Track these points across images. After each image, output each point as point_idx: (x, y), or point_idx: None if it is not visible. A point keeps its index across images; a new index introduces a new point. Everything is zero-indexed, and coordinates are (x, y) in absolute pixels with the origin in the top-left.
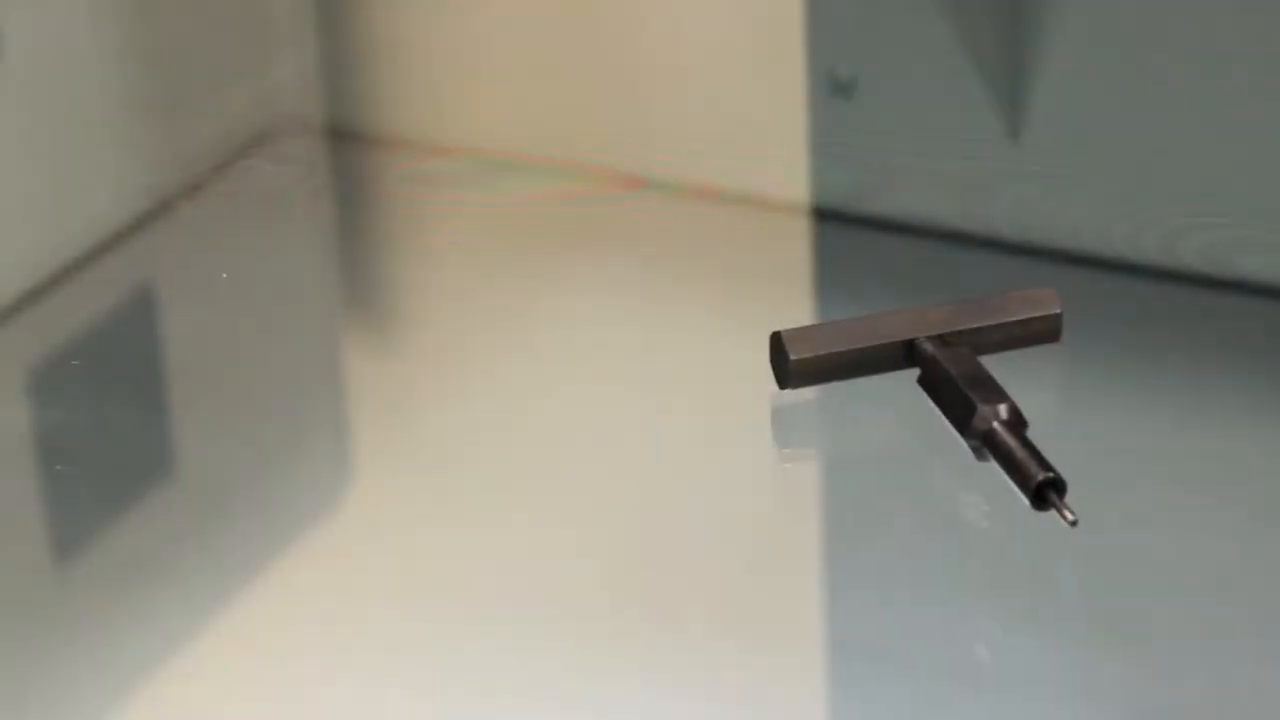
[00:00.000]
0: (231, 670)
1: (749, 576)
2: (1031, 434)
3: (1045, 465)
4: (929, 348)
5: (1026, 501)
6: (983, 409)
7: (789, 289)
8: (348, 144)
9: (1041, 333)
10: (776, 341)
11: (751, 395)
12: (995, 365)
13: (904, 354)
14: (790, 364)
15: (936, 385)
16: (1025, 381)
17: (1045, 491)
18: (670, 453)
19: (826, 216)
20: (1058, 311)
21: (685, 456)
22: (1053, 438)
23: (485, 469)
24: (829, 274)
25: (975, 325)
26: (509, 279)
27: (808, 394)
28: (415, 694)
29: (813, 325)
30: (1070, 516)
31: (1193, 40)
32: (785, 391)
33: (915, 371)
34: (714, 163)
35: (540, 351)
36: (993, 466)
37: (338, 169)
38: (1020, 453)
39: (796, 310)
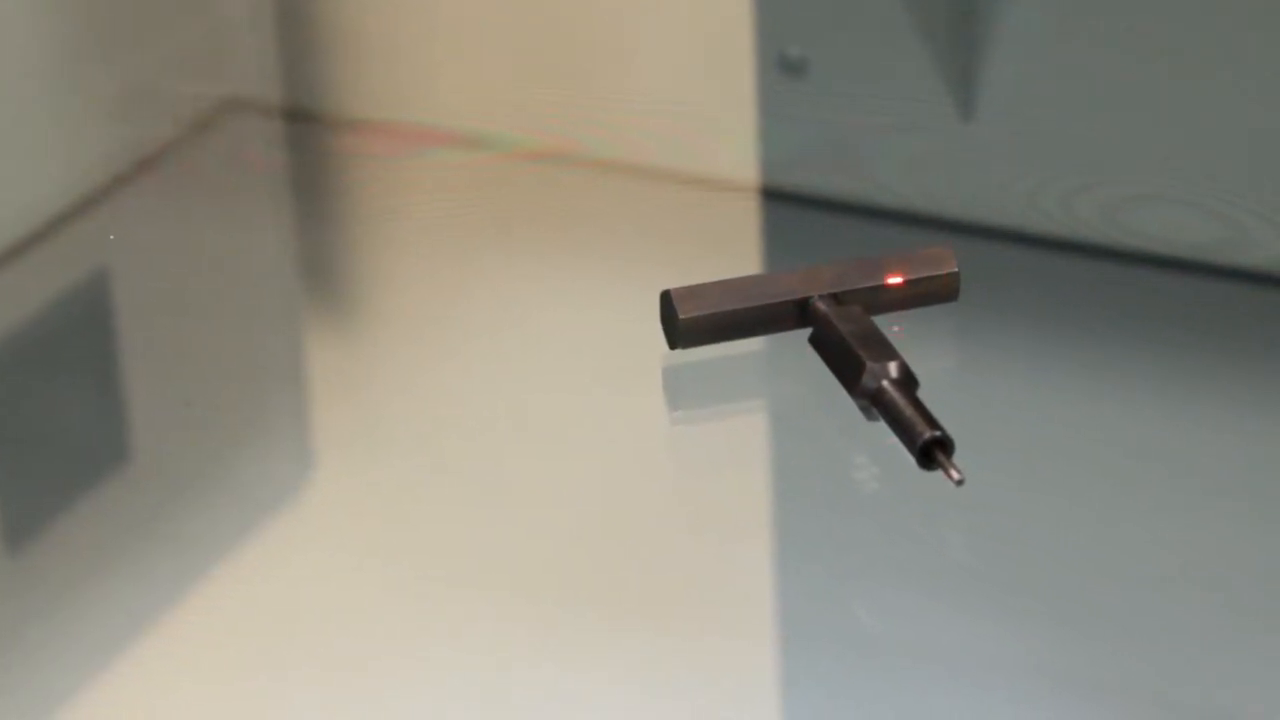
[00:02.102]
0: (188, 660)
1: (645, 544)
2: (927, 395)
3: (933, 423)
4: (822, 306)
5: (914, 461)
6: (872, 367)
7: (740, 269)
8: (304, 125)
9: (939, 291)
10: (666, 300)
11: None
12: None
13: (798, 313)
14: (679, 323)
15: (827, 344)
16: (928, 341)
17: (932, 450)
18: (621, 438)
19: (776, 196)
20: (955, 270)
21: (635, 439)
22: (950, 398)
23: (443, 454)
24: (779, 254)
25: (870, 284)
26: (466, 261)
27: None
28: (375, 681)
29: (704, 284)
30: (956, 475)
31: (1145, 20)
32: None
33: (809, 331)
34: (665, 143)
35: (495, 333)
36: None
37: (294, 150)
38: (908, 411)
39: None
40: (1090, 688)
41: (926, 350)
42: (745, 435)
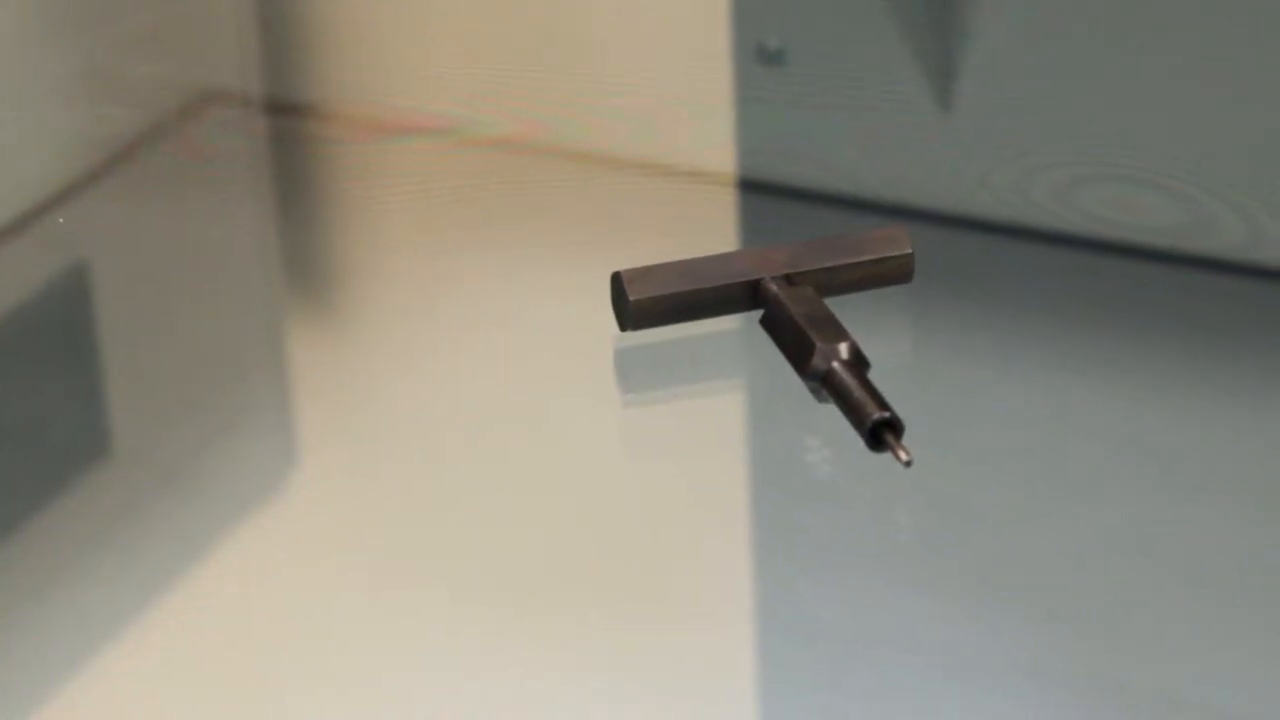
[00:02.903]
0: (169, 655)
1: (602, 530)
2: (881, 377)
3: (882, 405)
4: (773, 288)
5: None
6: (822, 348)
7: None
8: (284, 114)
9: (893, 273)
10: (617, 282)
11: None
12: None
13: (750, 294)
14: (630, 305)
15: (778, 326)
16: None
17: (881, 431)
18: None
19: (753, 187)
20: (909, 251)
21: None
22: (903, 381)
23: (419, 447)
24: (755, 245)
25: (823, 265)
26: (444, 252)
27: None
28: (354, 673)
29: (655, 265)
30: (905, 457)
31: (1124, 8)
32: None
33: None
34: (642, 134)
35: (472, 324)
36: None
37: (274, 139)
38: (858, 392)
39: None
40: (1038, 667)
41: (882, 333)
42: (698, 417)
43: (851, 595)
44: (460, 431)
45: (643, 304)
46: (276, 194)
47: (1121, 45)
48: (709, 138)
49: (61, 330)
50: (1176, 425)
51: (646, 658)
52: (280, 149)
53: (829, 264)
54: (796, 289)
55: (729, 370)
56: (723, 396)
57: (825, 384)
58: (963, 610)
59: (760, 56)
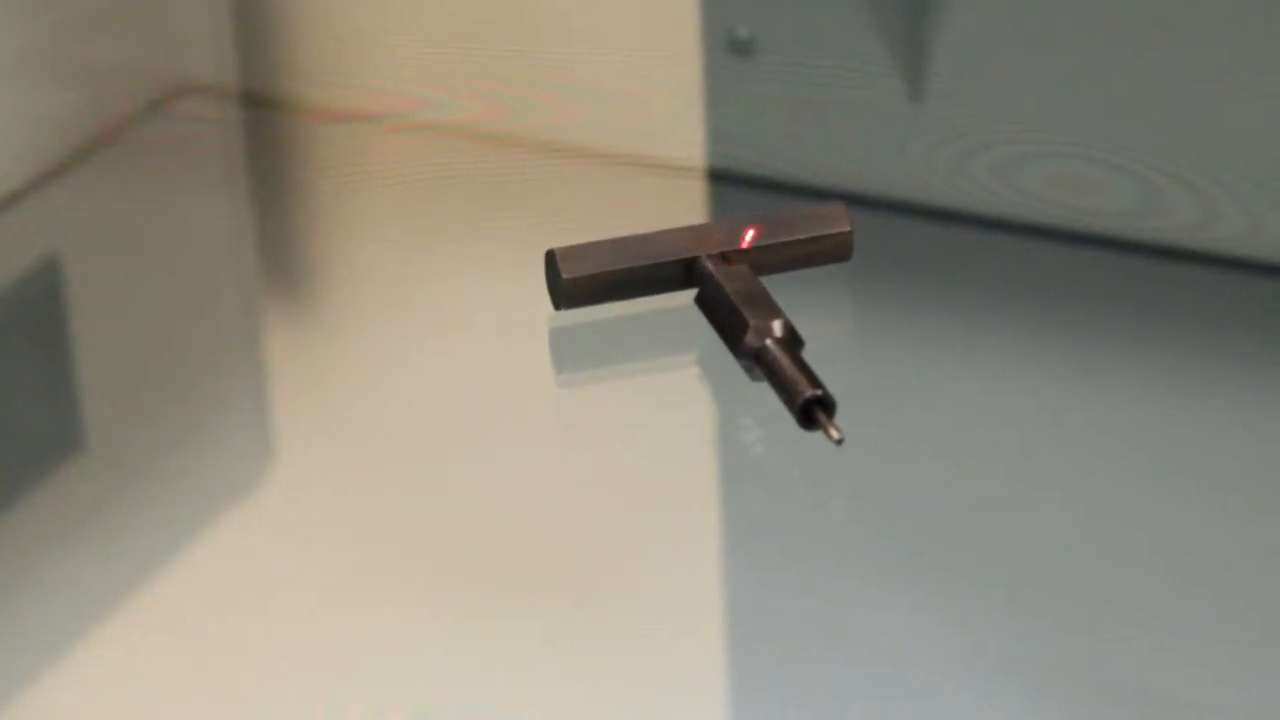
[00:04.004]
0: (144, 650)
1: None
2: (817, 356)
3: (815, 382)
4: (708, 265)
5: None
6: (755, 325)
7: None
8: (259, 105)
9: (832, 251)
10: (550, 260)
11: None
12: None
13: (685, 273)
14: (563, 283)
15: (712, 304)
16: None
17: (813, 410)
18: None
19: (723, 178)
20: (847, 229)
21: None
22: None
23: (403, 440)
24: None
25: (761, 243)
26: (419, 244)
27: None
28: (331, 670)
29: (589, 243)
30: (836, 435)
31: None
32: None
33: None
34: (612, 124)
35: (445, 316)
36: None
37: (248, 130)
38: (790, 370)
39: None
40: (973, 648)
41: (821, 312)
42: (632, 397)
43: (791, 576)
44: (435, 422)
45: (576, 282)
46: (251, 186)
47: (1101, 34)
48: (679, 128)
49: (33, 324)
50: (1117, 405)
51: (585, 640)
52: (251, 136)
53: (765, 242)
54: (732, 267)
55: (667, 349)
56: (651, 376)
57: (758, 362)
58: (899, 593)
59: (731, 46)
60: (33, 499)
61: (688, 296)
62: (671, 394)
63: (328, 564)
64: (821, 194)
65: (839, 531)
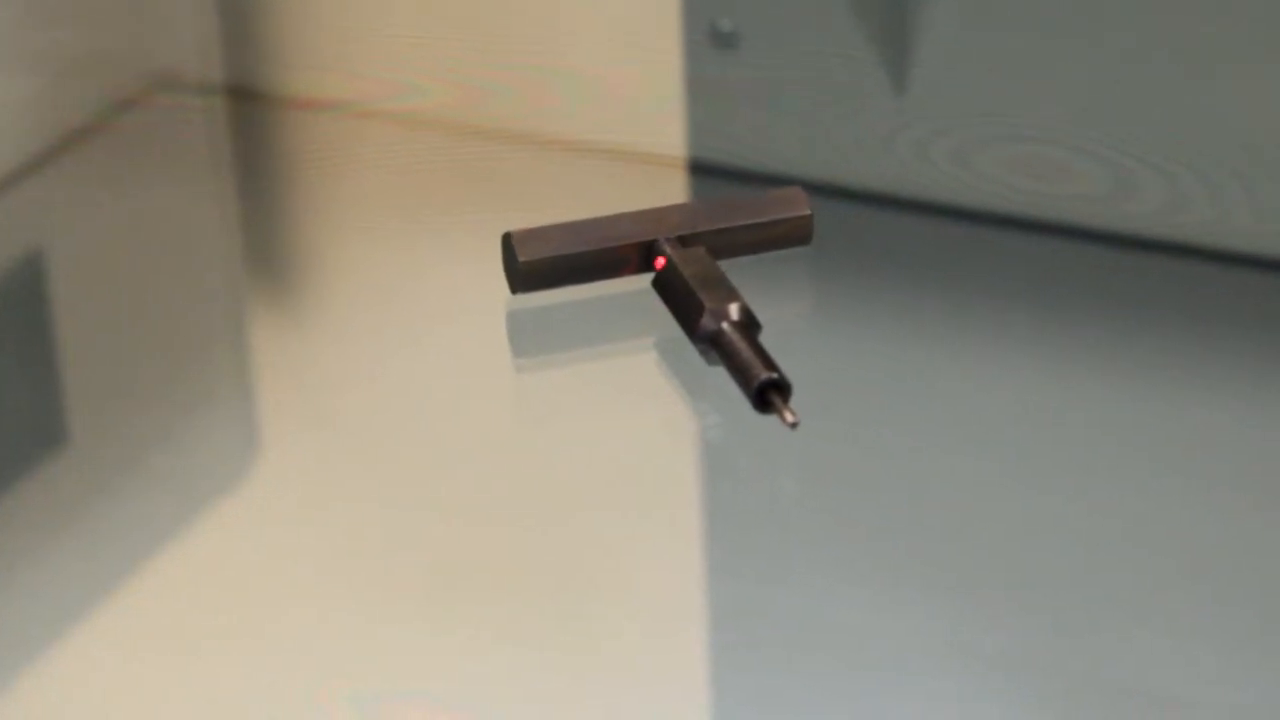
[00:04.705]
0: (131, 641)
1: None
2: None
3: (770, 365)
4: (666, 249)
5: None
6: (711, 308)
7: None
8: (244, 98)
9: (791, 235)
10: (507, 243)
11: None
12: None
13: (644, 256)
14: (519, 266)
15: (669, 287)
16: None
17: (768, 393)
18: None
19: (705, 171)
20: (807, 213)
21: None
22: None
23: (385, 432)
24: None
25: (718, 226)
26: (400, 235)
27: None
28: (316, 658)
29: (548, 225)
30: (791, 418)
31: None
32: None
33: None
34: (593, 116)
35: (427, 308)
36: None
37: (233, 123)
38: (746, 353)
39: None
40: (922, 625)
41: (781, 298)
42: (589, 382)
43: (750, 560)
44: (416, 415)
45: (533, 265)
46: (233, 178)
47: (1084, 22)
48: (661, 119)
49: (13, 318)
50: (1077, 393)
51: (545, 625)
52: (229, 125)
53: (724, 225)
54: (689, 250)
55: (626, 333)
56: (610, 360)
57: (714, 345)
58: (855, 579)
59: (713, 38)
60: (15, 494)
61: (647, 280)
62: (629, 378)
63: (294, 556)
64: (803, 186)
65: (795, 517)
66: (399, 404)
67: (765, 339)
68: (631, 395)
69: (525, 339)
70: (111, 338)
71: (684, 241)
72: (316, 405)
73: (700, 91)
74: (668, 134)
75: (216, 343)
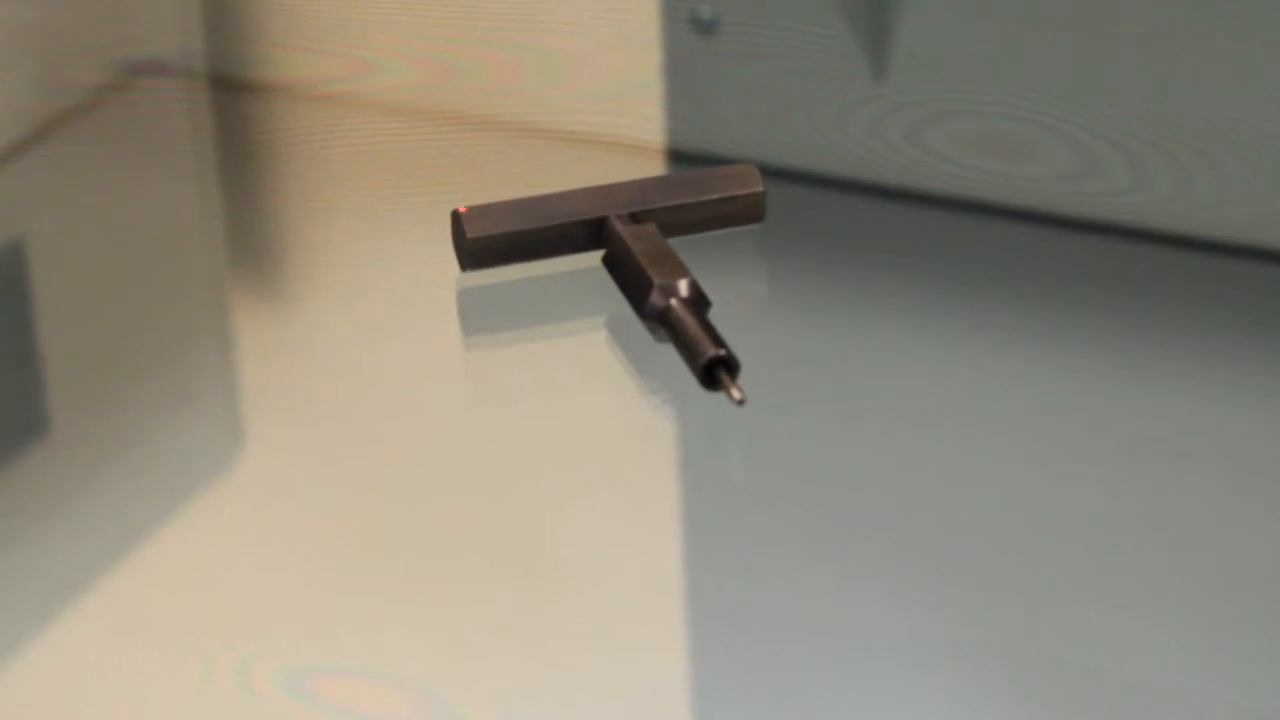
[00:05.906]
0: (114, 632)
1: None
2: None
3: (718, 342)
4: (617, 226)
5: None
6: (660, 285)
7: None
8: (226, 86)
9: (743, 212)
10: (456, 220)
11: None
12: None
13: (594, 233)
14: (468, 243)
15: (619, 264)
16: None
17: (715, 370)
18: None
19: (685, 159)
20: (759, 189)
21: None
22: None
23: (367, 421)
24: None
25: (669, 203)
26: (384, 222)
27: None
28: (301, 651)
29: (497, 203)
30: (738, 395)
31: None
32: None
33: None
34: (573, 104)
35: (409, 296)
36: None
37: (216, 111)
38: (694, 330)
39: None
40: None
41: (734, 277)
42: (539, 360)
43: (698, 536)
44: (401, 406)
45: (480, 242)
46: (215, 165)
47: (1068, 11)
48: (640, 108)
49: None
50: (1032, 372)
51: (497, 602)
52: (221, 120)
53: (675, 201)
54: (640, 227)
55: (577, 311)
56: (560, 338)
57: (663, 322)
58: (802, 557)
59: (693, 26)
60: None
61: (597, 257)
62: (579, 356)
63: (295, 545)
64: (784, 174)
65: (745, 494)
66: (355, 388)
67: (716, 317)
68: (582, 373)
69: (474, 318)
70: (90, 324)
71: (635, 218)
72: (289, 391)
73: (680, 79)
74: (649, 123)
75: (198, 329)
